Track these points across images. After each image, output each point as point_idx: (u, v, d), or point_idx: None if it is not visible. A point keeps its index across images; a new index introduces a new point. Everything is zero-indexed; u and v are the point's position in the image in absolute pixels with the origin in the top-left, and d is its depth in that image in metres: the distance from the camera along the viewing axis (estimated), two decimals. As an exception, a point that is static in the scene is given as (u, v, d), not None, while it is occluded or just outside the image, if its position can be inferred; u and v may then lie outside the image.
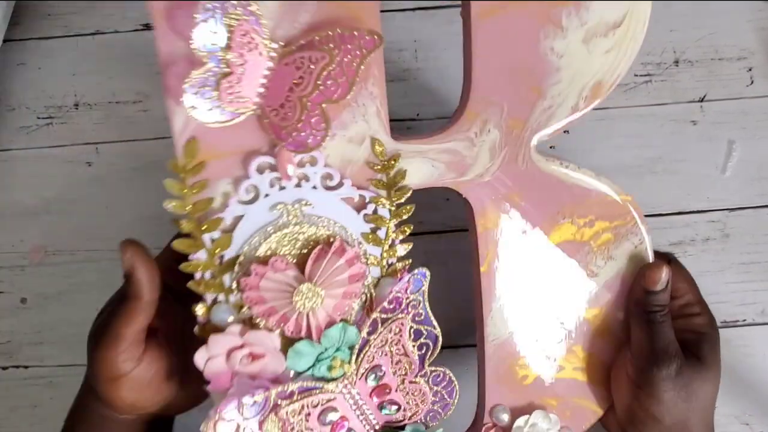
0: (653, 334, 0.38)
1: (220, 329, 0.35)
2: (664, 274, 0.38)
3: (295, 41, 0.33)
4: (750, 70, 0.55)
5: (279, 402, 0.35)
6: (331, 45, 0.33)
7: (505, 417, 0.40)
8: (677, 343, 0.38)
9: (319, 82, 0.33)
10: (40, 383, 0.52)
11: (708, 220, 0.53)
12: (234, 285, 0.36)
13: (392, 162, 0.36)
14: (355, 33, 0.33)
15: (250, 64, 0.32)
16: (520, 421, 0.40)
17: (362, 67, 0.33)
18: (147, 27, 0.55)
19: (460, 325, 0.47)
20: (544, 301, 0.40)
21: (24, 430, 0.52)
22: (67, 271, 0.53)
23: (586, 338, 0.41)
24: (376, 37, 0.33)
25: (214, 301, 0.36)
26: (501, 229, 0.39)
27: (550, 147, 0.54)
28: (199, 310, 0.36)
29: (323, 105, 0.34)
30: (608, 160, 0.54)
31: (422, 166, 0.37)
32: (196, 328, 0.36)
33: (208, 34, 0.32)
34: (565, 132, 0.55)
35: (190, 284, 0.35)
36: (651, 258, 0.40)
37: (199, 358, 0.35)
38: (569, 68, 0.36)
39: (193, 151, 0.34)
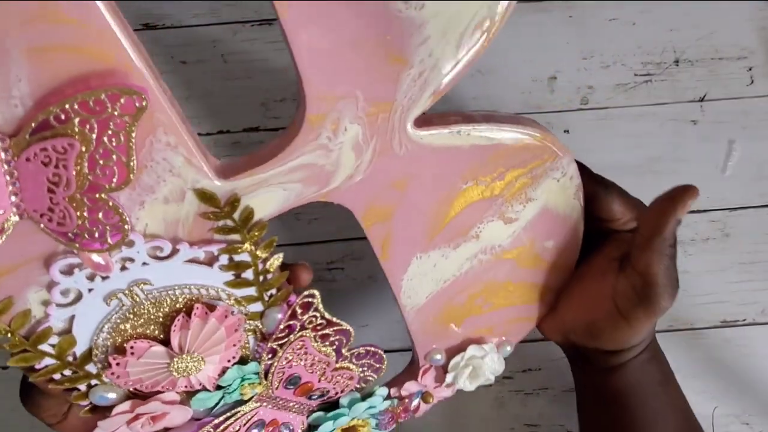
0: (667, 270, 0.35)
1: (106, 408, 0.33)
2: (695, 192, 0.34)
3: (26, 127, 0.23)
4: (750, 69, 0.55)
5: None
6: (77, 121, 0.23)
7: (440, 357, 0.40)
8: (675, 274, 0.36)
9: (85, 172, 0.24)
10: (40, 383, 0.52)
11: (708, 220, 0.53)
12: (100, 370, 0.32)
13: (233, 205, 0.29)
14: (104, 97, 0.23)
15: None
16: (457, 358, 0.41)
17: (129, 139, 0.24)
18: (147, 27, 0.55)
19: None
20: (457, 260, 0.37)
21: (24, 431, 0.52)
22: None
23: (514, 273, 0.39)
24: (135, 97, 0.23)
25: (89, 386, 0.32)
26: (393, 218, 0.34)
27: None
28: (76, 399, 0.32)
29: (104, 196, 0.25)
30: (608, 160, 0.54)
31: (271, 194, 0.30)
32: (81, 413, 0.33)
33: None
34: (565, 132, 0.55)
35: (51, 387, 0.31)
36: (579, 179, 0.37)
37: None
38: (437, 18, 0.27)
39: None
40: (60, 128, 0.23)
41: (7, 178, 0.24)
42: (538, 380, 0.53)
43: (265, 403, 0.36)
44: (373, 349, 0.37)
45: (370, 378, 0.39)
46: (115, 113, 0.23)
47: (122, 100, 0.23)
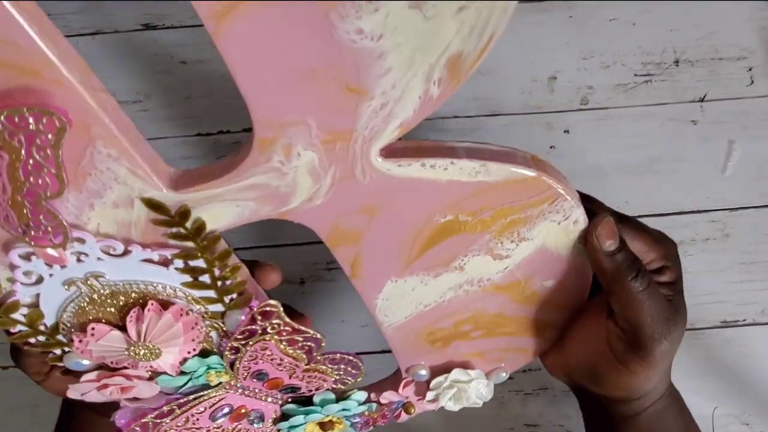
0: (642, 308, 0.32)
1: (79, 374, 0.34)
2: (611, 225, 0.32)
3: None
4: (750, 69, 0.55)
5: (159, 422, 0.35)
6: (7, 134, 0.24)
7: (424, 373, 0.39)
8: (669, 313, 0.33)
9: (21, 180, 0.25)
10: (40, 383, 0.52)
11: (708, 220, 0.53)
12: (69, 342, 0.33)
13: (183, 216, 0.29)
14: (27, 114, 0.24)
15: None
16: (440, 378, 0.39)
17: (56, 155, 0.25)
18: (147, 27, 0.55)
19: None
20: (439, 288, 0.35)
21: (24, 430, 0.52)
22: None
23: (508, 306, 0.36)
24: (55, 118, 0.24)
25: (64, 351, 0.34)
26: (362, 242, 0.32)
27: (550, 147, 0.54)
28: (52, 361, 0.34)
29: (42, 202, 0.26)
30: (608, 159, 0.54)
31: (224, 209, 0.29)
32: (58, 373, 0.35)
33: None
34: (565, 132, 0.55)
35: (29, 349, 0.33)
36: (584, 227, 0.33)
37: (73, 395, 0.34)
38: (399, 49, 0.25)
39: None
40: None
41: None
42: (538, 380, 0.53)
43: (233, 390, 0.36)
44: (348, 356, 0.36)
45: (348, 381, 0.38)
46: (39, 129, 0.24)
47: (44, 120, 0.24)
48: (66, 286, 0.31)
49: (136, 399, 0.36)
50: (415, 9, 0.23)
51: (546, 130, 0.55)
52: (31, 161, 0.25)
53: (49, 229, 0.27)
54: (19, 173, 0.25)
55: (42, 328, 0.32)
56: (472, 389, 0.39)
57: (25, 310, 0.31)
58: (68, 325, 0.32)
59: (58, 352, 0.33)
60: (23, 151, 0.25)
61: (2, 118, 0.24)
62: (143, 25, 0.55)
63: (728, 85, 0.54)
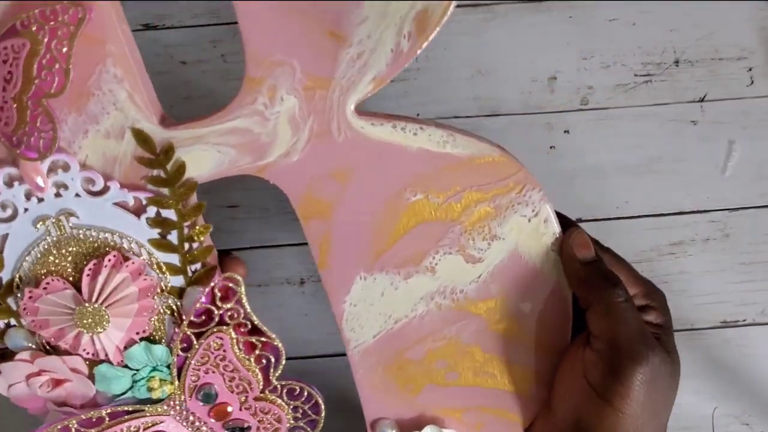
0: (620, 320, 0.30)
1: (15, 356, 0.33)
2: (585, 235, 0.31)
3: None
4: (750, 70, 0.55)
5: (83, 431, 0.34)
6: (34, 28, 0.27)
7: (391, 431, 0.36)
8: (646, 336, 0.30)
9: (33, 75, 0.27)
10: (40, 383, 0.52)
11: (708, 220, 0.53)
12: (21, 309, 0.32)
13: (167, 154, 0.30)
14: (57, 8, 0.27)
15: None
16: None
17: (71, 47, 0.27)
18: (147, 27, 0.55)
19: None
20: (410, 297, 0.34)
21: (24, 430, 0.52)
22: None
23: (483, 338, 0.34)
24: (79, 9, 0.27)
25: (8, 325, 0.33)
26: (332, 216, 0.32)
27: (550, 147, 0.54)
28: None
29: (44, 101, 0.28)
30: (608, 159, 0.54)
31: (205, 154, 0.30)
32: None
33: None
34: (565, 132, 0.55)
35: None
36: (557, 227, 0.33)
37: (0, 384, 0.33)
38: None
39: None
40: (21, 31, 0.27)
41: None
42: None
43: (173, 414, 0.34)
44: (308, 390, 0.34)
45: (304, 431, 0.36)
46: (64, 21, 0.27)
47: (70, 11, 0.27)
48: (36, 225, 0.31)
49: (64, 404, 0.34)
50: None
51: (546, 130, 0.55)
52: (48, 56, 0.27)
53: (42, 134, 0.28)
54: (34, 68, 0.27)
55: None
56: None
57: None
58: (25, 280, 0.32)
59: (1, 325, 0.33)
60: (45, 43, 0.27)
61: (36, 12, 0.27)
62: (143, 25, 0.55)
63: (728, 86, 0.54)
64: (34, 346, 0.33)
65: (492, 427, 0.36)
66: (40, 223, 0.31)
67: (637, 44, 0.55)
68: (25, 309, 0.32)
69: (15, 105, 0.28)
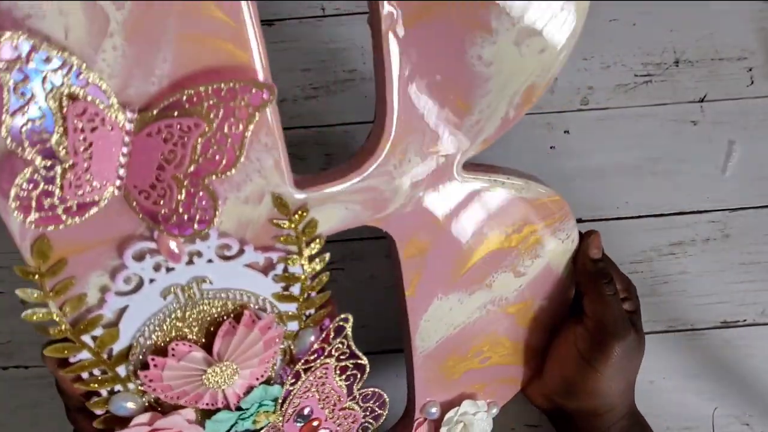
0: (608, 307, 0.39)
1: (123, 419, 0.32)
2: (599, 239, 0.40)
3: (156, 104, 0.25)
4: (750, 70, 0.55)
5: None
6: (206, 105, 0.25)
7: (435, 411, 0.41)
8: (627, 322, 0.40)
9: (196, 156, 0.26)
10: (40, 383, 0.52)
11: (708, 220, 0.53)
12: (131, 373, 0.31)
13: (300, 215, 0.30)
14: (237, 87, 0.25)
15: (99, 144, 0.25)
16: (451, 413, 0.41)
17: (247, 128, 0.26)
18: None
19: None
20: (469, 308, 0.39)
21: (25, 430, 0.52)
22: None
23: (512, 330, 0.41)
24: (265, 90, 0.25)
25: (111, 392, 0.32)
26: (428, 254, 0.35)
27: (550, 147, 0.54)
28: (94, 406, 0.32)
29: (206, 180, 0.26)
30: (608, 160, 0.54)
31: (334, 211, 0.32)
32: (95, 422, 0.32)
33: (26, 122, 0.23)
34: (565, 132, 0.55)
35: (78, 385, 0.31)
36: (577, 241, 0.41)
37: None
38: (499, 75, 0.30)
39: (45, 250, 0.27)
40: (190, 109, 0.25)
41: (123, 150, 0.25)
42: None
43: None
44: (378, 392, 0.38)
45: (369, 425, 0.39)
46: (242, 103, 0.25)
47: (253, 91, 0.25)
48: (163, 295, 0.30)
49: None
50: (515, 46, 0.30)
51: (546, 130, 0.55)
52: (218, 134, 0.25)
53: (198, 213, 0.27)
54: (198, 147, 0.26)
55: (105, 356, 0.30)
56: (477, 422, 0.42)
57: (99, 331, 0.29)
58: (143, 348, 0.31)
59: (104, 393, 0.31)
60: (215, 124, 0.25)
61: (210, 89, 0.25)
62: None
63: (728, 86, 0.54)
64: (136, 409, 0.32)
65: (501, 393, 0.44)
66: (169, 292, 0.30)
67: (637, 44, 0.56)
68: (147, 377, 0.31)
69: (175, 184, 0.26)
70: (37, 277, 0.27)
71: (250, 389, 0.33)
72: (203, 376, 0.31)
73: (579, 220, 0.53)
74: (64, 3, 0.23)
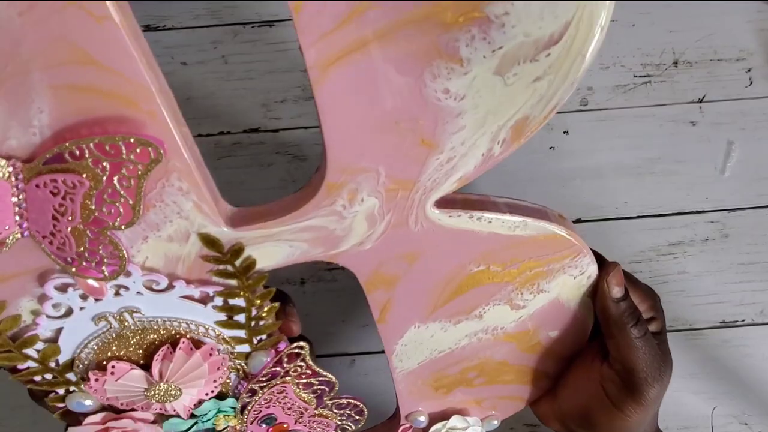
0: (638, 352, 0.35)
1: (81, 415, 0.33)
2: (621, 274, 0.35)
3: (40, 155, 0.24)
4: (749, 71, 0.55)
5: None
6: (90, 161, 0.23)
7: (423, 420, 0.40)
8: (660, 360, 0.36)
9: (93, 209, 0.25)
10: (41, 383, 0.53)
11: (707, 221, 0.53)
12: (80, 379, 0.32)
13: (236, 254, 0.29)
14: (121, 144, 0.23)
15: None
16: (438, 426, 0.40)
17: (140, 185, 0.24)
18: (148, 28, 0.55)
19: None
20: (455, 336, 0.37)
21: (25, 430, 0.52)
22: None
23: (512, 354, 0.38)
24: (151, 149, 0.23)
25: (67, 391, 0.33)
26: (396, 287, 0.33)
27: (550, 148, 0.54)
28: (53, 401, 0.32)
29: (107, 231, 0.26)
30: (607, 160, 0.54)
31: (277, 249, 0.30)
32: (55, 415, 0.33)
33: None
34: (564, 133, 0.55)
35: (31, 387, 0.32)
36: (595, 276, 0.36)
37: None
38: (476, 110, 0.26)
39: None
40: (73, 164, 0.23)
41: (14, 200, 0.25)
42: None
43: None
44: (354, 401, 0.37)
45: (348, 428, 0.39)
46: (129, 159, 0.24)
47: (138, 150, 0.23)
48: (95, 321, 0.30)
49: None
50: (498, 76, 0.25)
51: (546, 131, 0.55)
52: (109, 190, 0.24)
53: (105, 260, 0.26)
54: (92, 201, 0.24)
55: (52, 365, 0.31)
56: None
57: (40, 345, 0.30)
58: (85, 362, 0.31)
59: (61, 392, 0.32)
60: (104, 179, 0.24)
61: (91, 144, 0.23)
62: (144, 26, 0.55)
63: (727, 87, 0.55)
64: (94, 406, 0.33)
65: (502, 408, 0.41)
66: (100, 320, 0.30)
67: (636, 45, 0.56)
68: (92, 389, 0.31)
69: (72, 233, 0.25)
70: None
71: (200, 402, 0.34)
72: (146, 393, 0.32)
73: (578, 221, 0.53)
74: None
